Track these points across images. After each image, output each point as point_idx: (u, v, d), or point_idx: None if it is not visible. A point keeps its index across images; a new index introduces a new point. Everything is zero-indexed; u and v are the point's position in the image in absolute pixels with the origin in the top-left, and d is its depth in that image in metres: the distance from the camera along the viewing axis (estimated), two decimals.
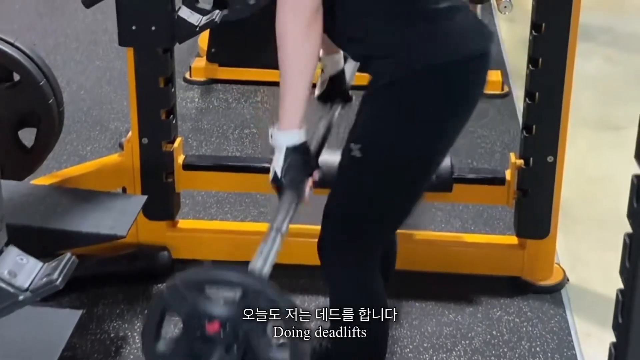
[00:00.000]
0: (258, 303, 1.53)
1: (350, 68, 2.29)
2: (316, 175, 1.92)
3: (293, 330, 1.54)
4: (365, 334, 2.12)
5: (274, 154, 1.87)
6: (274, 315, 1.54)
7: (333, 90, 2.24)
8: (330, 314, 2.15)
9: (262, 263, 1.69)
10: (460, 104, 1.94)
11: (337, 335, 2.17)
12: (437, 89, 1.89)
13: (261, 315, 1.54)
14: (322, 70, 2.25)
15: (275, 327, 1.58)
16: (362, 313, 2.11)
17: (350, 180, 1.99)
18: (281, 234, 1.78)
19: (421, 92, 1.89)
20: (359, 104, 2.00)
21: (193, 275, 1.59)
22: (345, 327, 2.14)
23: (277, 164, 1.85)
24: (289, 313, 1.54)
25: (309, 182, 1.90)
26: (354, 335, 2.13)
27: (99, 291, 2.74)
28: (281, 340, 1.57)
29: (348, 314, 2.13)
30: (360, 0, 1.88)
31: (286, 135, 1.85)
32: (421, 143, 1.94)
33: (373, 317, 2.13)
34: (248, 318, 1.53)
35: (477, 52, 1.92)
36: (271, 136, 1.87)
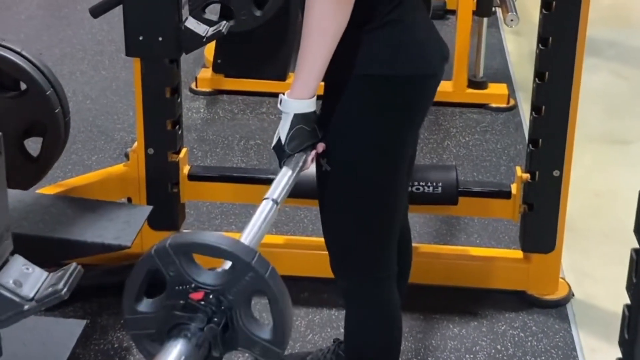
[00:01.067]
0: (246, 277, 1.48)
1: None
2: (320, 147, 1.89)
3: (278, 309, 1.49)
4: (378, 353, 2.12)
5: (281, 120, 1.84)
6: (260, 291, 1.49)
7: None
8: (345, 332, 2.16)
9: (254, 234, 1.66)
10: (406, 114, 1.92)
11: (350, 353, 2.18)
12: (387, 98, 1.87)
13: (247, 290, 1.50)
14: None
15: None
16: (377, 330, 2.11)
17: (329, 196, 1.98)
18: (277, 204, 1.75)
19: (370, 98, 1.87)
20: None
21: (184, 239, 1.53)
22: (358, 346, 2.14)
23: (283, 130, 1.82)
24: (275, 291, 1.49)
25: (312, 153, 1.88)
26: (367, 354, 2.13)
27: (102, 301, 2.73)
28: (265, 320, 1.54)
29: (362, 332, 2.13)
30: None
31: (296, 103, 1.81)
32: (375, 145, 1.91)
33: (387, 337, 2.13)
34: (233, 291, 1.49)
35: (431, 71, 1.92)
36: (280, 101, 1.84)
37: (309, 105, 1.82)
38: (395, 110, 1.90)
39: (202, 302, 1.48)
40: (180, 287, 1.50)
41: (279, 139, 1.84)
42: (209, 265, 1.55)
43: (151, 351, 1.53)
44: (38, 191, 2.83)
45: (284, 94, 1.85)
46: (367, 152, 1.92)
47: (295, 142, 1.82)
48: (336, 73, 1.84)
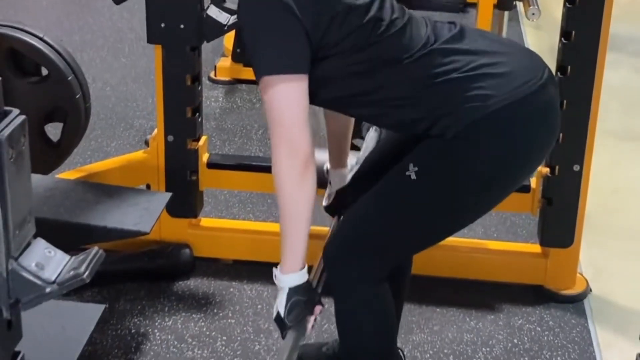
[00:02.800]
0: None
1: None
2: (317, 310, 1.95)
3: None
4: (370, 345, 2.12)
5: (277, 294, 1.92)
6: None
7: (340, 204, 2.26)
8: (338, 327, 2.16)
9: None
10: (527, 144, 1.94)
11: (343, 345, 2.18)
12: (501, 135, 1.89)
13: None
14: (330, 184, 2.29)
15: None
16: (367, 327, 2.11)
17: (392, 197, 1.98)
18: None
19: (486, 140, 1.89)
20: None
21: None
22: (351, 339, 2.14)
23: (280, 305, 1.90)
24: None
25: (311, 319, 1.95)
26: (359, 346, 2.13)
27: (120, 287, 2.74)
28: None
29: (354, 327, 2.13)
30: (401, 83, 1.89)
31: (288, 277, 1.89)
32: (482, 193, 1.95)
33: (379, 330, 2.13)
34: None
35: (528, 90, 1.91)
36: (275, 276, 1.91)
37: (301, 277, 1.90)
38: (506, 146, 1.90)
39: None
40: None
41: (278, 313, 1.91)
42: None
43: None
44: (58, 176, 2.84)
45: (276, 267, 1.91)
46: (469, 188, 1.93)
47: (294, 314, 1.90)
48: (443, 131, 1.88)
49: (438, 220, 1.98)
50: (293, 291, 1.89)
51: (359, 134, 2.40)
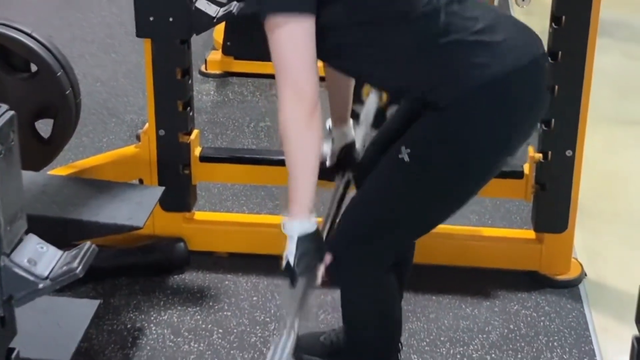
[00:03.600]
0: None
1: (360, 135, 2.31)
2: (327, 258, 1.93)
3: None
4: (375, 335, 2.12)
5: (287, 242, 1.89)
6: None
7: (343, 161, 2.26)
8: (343, 317, 2.16)
9: None
10: (519, 115, 1.93)
11: (348, 335, 2.18)
12: (496, 104, 1.88)
13: None
14: (332, 141, 2.27)
15: None
16: (372, 317, 2.12)
17: (389, 180, 1.98)
18: (293, 331, 1.84)
19: (482, 110, 1.88)
20: (413, 108, 1.99)
21: None
22: (356, 328, 2.14)
23: (290, 253, 1.87)
24: None
25: (321, 268, 1.92)
26: (364, 336, 2.13)
27: (115, 282, 2.74)
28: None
29: (359, 317, 2.14)
30: (401, 46, 1.87)
31: (297, 225, 1.86)
32: (476, 166, 1.94)
33: (384, 323, 2.13)
34: None
35: (525, 61, 1.91)
36: (283, 225, 1.89)
37: (310, 225, 1.87)
38: (507, 113, 1.90)
39: None
40: None
41: (288, 262, 1.88)
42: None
43: None
44: (50, 173, 2.83)
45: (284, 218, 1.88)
46: (464, 165, 1.92)
47: (304, 263, 1.87)
48: (439, 97, 1.86)
49: (437, 200, 1.97)
50: (302, 239, 1.85)
51: (358, 98, 2.38)
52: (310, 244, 1.86)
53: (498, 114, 1.89)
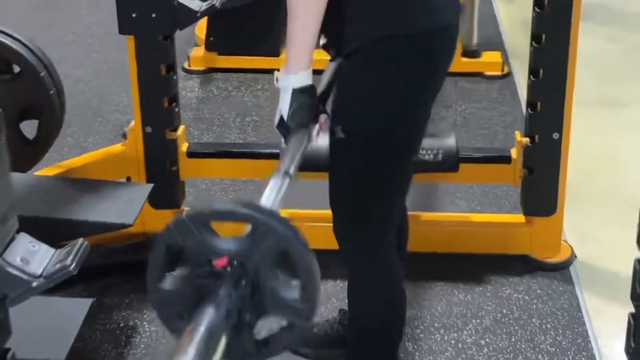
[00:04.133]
0: (268, 238, 1.46)
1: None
2: (322, 118, 1.88)
3: (304, 267, 1.47)
4: (382, 317, 2.13)
5: (280, 96, 1.83)
6: (284, 250, 1.48)
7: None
8: (349, 297, 2.16)
9: (271, 201, 1.66)
10: (428, 72, 1.91)
11: (355, 318, 2.18)
12: (407, 57, 1.86)
13: (270, 251, 1.48)
14: None
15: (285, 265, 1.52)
16: (380, 295, 2.12)
17: (342, 163, 1.98)
18: (289, 177, 1.75)
19: (390, 59, 1.86)
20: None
21: (201, 210, 1.52)
22: (363, 310, 2.14)
23: (284, 107, 1.81)
24: (300, 249, 1.47)
25: (316, 127, 1.88)
26: (371, 318, 2.13)
27: (107, 281, 2.72)
28: (292, 280, 1.51)
29: (366, 296, 2.13)
30: None
31: (294, 78, 1.80)
32: (396, 109, 1.91)
33: (390, 299, 2.13)
34: (257, 254, 1.47)
35: (447, 24, 1.90)
36: (276, 79, 1.83)
37: (306, 78, 1.81)
38: (417, 69, 1.88)
39: (227, 268, 1.46)
40: (203, 257, 1.48)
41: (281, 117, 1.83)
42: None
43: (181, 328, 1.51)
44: (36, 173, 2.82)
45: (278, 70, 1.83)
46: (388, 118, 1.90)
47: (298, 117, 1.82)
48: (349, 40, 1.83)
49: (392, 152, 1.95)
50: (298, 92, 1.80)
51: None
52: (306, 98, 1.81)
53: (406, 66, 1.87)
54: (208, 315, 1.45)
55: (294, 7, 1.76)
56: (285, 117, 1.82)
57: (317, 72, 1.91)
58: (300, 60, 1.79)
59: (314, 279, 1.49)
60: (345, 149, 1.94)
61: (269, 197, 1.68)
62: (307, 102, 1.82)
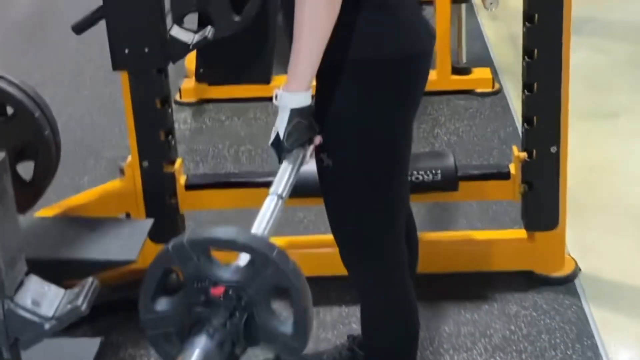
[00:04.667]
0: (266, 270, 1.47)
1: None
2: (317, 140, 1.88)
3: (299, 303, 1.48)
4: (397, 343, 2.11)
5: (278, 115, 1.82)
6: (281, 285, 1.48)
7: None
8: (362, 323, 2.15)
9: (264, 228, 1.66)
10: (401, 98, 1.91)
11: (369, 345, 2.16)
12: (379, 82, 1.87)
13: (267, 284, 1.48)
14: None
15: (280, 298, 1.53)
16: (394, 318, 2.10)
17: (335, 192, 1.97)
18: (282, 199, 1.75)
19: (364, 84, 1.86)
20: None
21: (201, 235, 1.51)
22: (376, 337, 2.13)
23: (281, 126, 1.81)
24: (297, 285, 1.48)
25: (311, 147, 1.87)
26: (386, 345, 2.12)
27: (112, 320, 2.70)
28: (285, 313, 1.53)
29: (379, 322, 2.12)
30: None
31: (293, 97, 1.80)
32: (373, 131, 1.90)
33: (404, 323, 2.12)
34: (254, 286, 1.48)
35: (423, 49, 1.91)
36: (276, 97, 1.82)
37: (305, 99, 1.81)
38: (392, 93, 1.88)
39: (223, 298, 1.46)
40: (199, 284, 1.48)
41: (277, 135, 1.83)
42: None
43: (170, 352, 1.51)
44: (35, 215, 2.80)
45: (279, 89, 1.83)
46: (369, 141, 1.90)
47: (294, 137, 1.82)
48: (328, 60, 1.82)
49: (382, 176, 1.94)
50: (296, 112, 1.80)
51: None
52: (303, 118, 1.81)
53: (380, 90, 1.87)
54: (200, 345, 1.45)
55: (300, 27, 1.76)
56: (281, 136, 1.82)
57: None
58: (301, 81, 1.80)
59: (309, 316, 1.49)
60: (334, 176, 1.94)
61: (262, 221, 1.68)
62: (304, 122, 1.82)
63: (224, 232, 1.51)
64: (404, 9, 1.89)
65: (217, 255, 1.54)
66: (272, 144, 1.85)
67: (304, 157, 1.86)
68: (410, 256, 2.18)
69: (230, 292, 1.47)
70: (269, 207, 1.73)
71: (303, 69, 1.79)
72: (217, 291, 1.47)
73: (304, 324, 1.49)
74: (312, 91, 1.83)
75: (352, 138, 1.90)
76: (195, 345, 1.44)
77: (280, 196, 1.76)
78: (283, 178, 1.79)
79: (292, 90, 1.80)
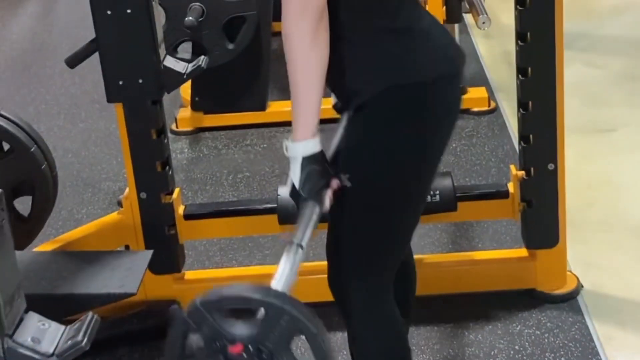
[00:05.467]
0: (282, 322, 1.49)
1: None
2: (334, 183, 1.88)
3: (318, 347, 1.49)
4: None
5: (290, 166, 1.83)
6: (298, 332, 1.50)
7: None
8: (352, 350, 2.14)
9: (284, 280, 1.66)
10: (437, 121, 1.91)
11: None
12: (413, 107, 1.87)
13: (285, 334, 1.49)
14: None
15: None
16: (384, 344, 2.09)
17: (348, 211, 1.96)
18: (303, 249, 1.75)
19: (397, 111, 1.86)
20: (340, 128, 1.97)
21: (214, 296, 1.54)
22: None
23: (295, 176, 1.82)
24: (313, 329, 1.50)
25: (329, 192, 1.87)
26: None
27: (114, 353, 2.69)
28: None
29: (370, 347, 2.11)
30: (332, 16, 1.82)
31: (301, 146, 1.81)
32: (405, 160, 1.90)
33: (395, 347, 2.10)
34: (271, 337, 1.49)
35: (452, 72, 1.91)
36: (286, 148, 1.83)
37: (314, 146, 1.82)
38: (425, 118, 1.88)
39: (243, 354, 1.48)
40: (218, 343, 1.51)
41: (293, 185, 1.84)
42: None
43: None
44: (34, 250, 2.79)
45: (288, 139, 1.84)
46: (399, 169, 1.90)
47: (309, 185, 1.82)
48: (358, 91, 1.84)
49: (398, 204, 1.94)
50: (307, 161, 1.80)
51: None
52: (315, 165, 1.81)
53: (413, 117, 1.87)
54: None
55: (294, 78, 1.78)
56: (297, 186, 1.83)
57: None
58: (306, 128, 1.81)
59: (329, 357, 1.51)
60: (354, 197, 1.92)
61: (282, 274, 1.69)
62: (317, 169, 1.83)
63: (235, 290, 1.54)
64: (431, 33, 1.90)
65: None
66: (291, 194, 1.86)
67: (322, 202, 1.86)
68: (407, 293, 2.19)
69: (249, 348, 1.50)
70: (289, 257, 1.74)
71: (306, 116, 1.80)
72: (236, 349, 1.50)
73: None
74: (319, 136, 1.83)
75: (380, 164, 1.89)
76: None
77: (300, 246, 1.77)
78: (302, 227, 1.80)
79: (300, 140, 1.81)
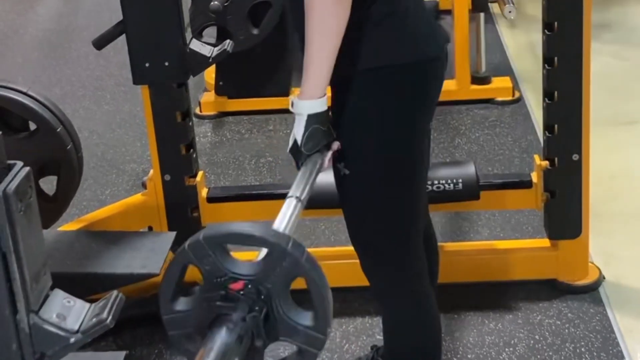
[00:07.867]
0: (284, 263, 1.47)
1: None
2: (335, 145, 1.89)
3: (317, 293, 1.47)
4: (420, 350, 2.11)
5: (295, 122, 1.84)
6: (297, 274, 1.48)
7: None
8: (384, 333, 2.15)
9: (285, 224, 1.66)
10: (415, 102, 1.92)
11: (392, 354, 2.16)
12: (391, 88, 1.87)
13: (285, 277, 1.48)
14: None
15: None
16: (416, 327, 2.10)
17: (352, 199, 1.98)
18: (301, 202, 1.75)
19: (378, 92, 1.87)
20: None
21: (217, 231, 1.51)
22: (399, 345, 2.13)
23: (298, 132, 1.83)
24: (314, 275, 1.47)
25: (329, 153, 1.88)
26: (408, 353, 2.11)
27: (134, 333, 2.70)
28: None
29: (401, 330, 2.12)
30: None
31: (308, 103, 1.82)
32: (391, 138, 1.91)
33: (426, 330, 2.11)
34: (271, 279, 1.47)
35: (433, 55, 1.91)
36: (292, 104, 1.84)
37: (321, 105, 1.83)
38: (406, 99, 1.89)
39: (242, 292, 1.47)
40: (218, 279, 1.48)
41: (295, 141, 1.85)
42: None
43: (192, 350, 1.51)
44: (59, 229, 2.82)
45: (295, 96, 1.85)
46: (384, 149, 1.91)
47: (311, 143, 1.83)
48: (341, 71, 1.84)
49: (400, 182, 1.95)
50: (312, 119, 1.81)
51: None
52: (320, 124, 1.83)
53: (391, 98, 1.88)
54: (221, 339, 1.45)
55: (311, 34, 1.78)
56: (299, 142, 1.84)
57: None
58: (316, 87, 1.81)
59: (327, 306, 1.49)
60: (353, 185, 1.94)
61: (281, 223, 1.68)
62: (321, 128, 1.84)
63: (239, 227, 1.51)
64: (415, 17, 1.90)
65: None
66: (291, 150, 1.87)
67: (322, 162, 1.88)
68: (431, 265, 2.18)
69: (249, 286, 1.47)
70: (288, 208, 1.73)
71: (316, 76, 1.81)
72: (237, 286, 1.47)
73: (324, 314, 1.49)
74: (327, 97, 1.84)
75: (367, 146, 1.91)
76: (216, 340, 1.44)
77: (298, 199, 1.76)
78: (302, 182, 1.81)
79: (307, 97, 1.82)
